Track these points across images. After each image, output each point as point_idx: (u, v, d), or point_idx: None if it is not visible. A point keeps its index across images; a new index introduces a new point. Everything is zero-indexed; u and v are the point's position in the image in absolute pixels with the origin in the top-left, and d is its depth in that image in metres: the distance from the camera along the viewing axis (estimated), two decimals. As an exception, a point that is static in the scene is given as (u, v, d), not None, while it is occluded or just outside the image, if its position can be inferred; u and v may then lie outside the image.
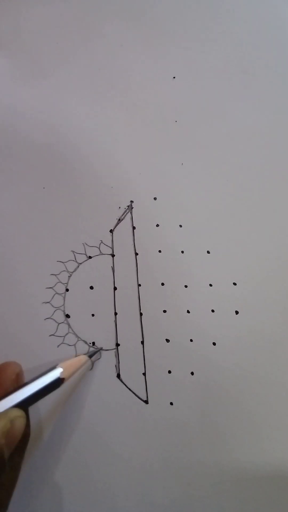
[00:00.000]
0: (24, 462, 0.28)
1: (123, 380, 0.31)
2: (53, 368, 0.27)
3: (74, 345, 0.31)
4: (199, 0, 0.38)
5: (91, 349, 0.31)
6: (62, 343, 0.31)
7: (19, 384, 0.26)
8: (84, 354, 0.30)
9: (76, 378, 0.31)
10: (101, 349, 0.31)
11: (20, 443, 0.25)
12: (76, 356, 0.31)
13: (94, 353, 0.31)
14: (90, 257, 0.33)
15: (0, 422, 0.23)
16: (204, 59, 0.37)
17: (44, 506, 0.29)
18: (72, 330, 0.32)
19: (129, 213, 0.34)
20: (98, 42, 0.38)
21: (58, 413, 0.31)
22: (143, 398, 0.31)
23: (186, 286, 0.33)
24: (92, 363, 0.31)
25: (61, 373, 0.27)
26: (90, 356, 0.30)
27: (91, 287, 0.33)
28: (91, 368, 0.31)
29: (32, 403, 0.25)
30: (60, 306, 0.32)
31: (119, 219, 0.34)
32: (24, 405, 0.25)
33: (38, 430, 0.30)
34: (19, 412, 0.24)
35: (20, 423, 0.24)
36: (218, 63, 0.37)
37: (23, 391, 0.25)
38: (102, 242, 0.34)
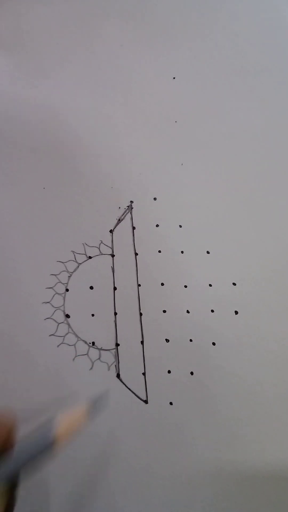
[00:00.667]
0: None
1: (123, 380, 0.31)
2: (45, 430, 0.22)
3: (74, 345, 0.32)
4: (200, 1, 0.38)
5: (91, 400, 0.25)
6: (62, 343, 0.32)
7: (8, 446, 0.22)
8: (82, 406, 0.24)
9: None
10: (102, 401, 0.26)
11: None
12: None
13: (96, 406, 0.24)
14: (90, 257, 0.33)
15: None
16: (204, 60, 0.37)
17: (44, 505, 0.30)
18: (72, 330, 0.32)
19: (129, 213, 0.34)
20: (98, 42, 0.38)
21: (58, 413, 0.31)
22: (143, 398, 0.31)
23: (185, 286, 0.33)
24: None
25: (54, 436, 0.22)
26: (90, 409, 0.24)
27: (91, 287, 0.33)
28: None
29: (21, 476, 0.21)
30: (60, 306, 0.32)
31: (119, 219, 0.34)
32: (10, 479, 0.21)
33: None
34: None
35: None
36: (218, 64, 0.37)
37: (8, 464, 0.21)
38: (102, 242, 0.34)
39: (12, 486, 0.22)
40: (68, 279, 0.33)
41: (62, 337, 0.32)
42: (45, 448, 0.22)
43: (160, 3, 0.38)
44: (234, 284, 0.33)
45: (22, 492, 0.28)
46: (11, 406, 0.30)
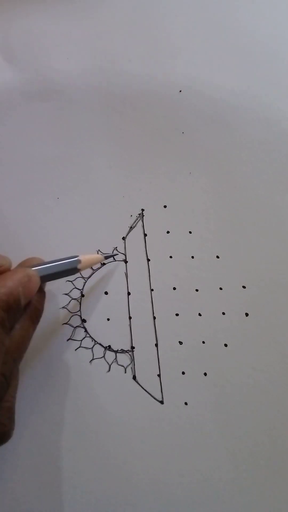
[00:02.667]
0: (47, 463, 0.29)
1: (139, 382, 0.32)
2: (73, 256, 0.31)
3: (91, 348, 0.33)
4: (205, 15, 0.40)
5: (109, 254, 0.34)
6: (80, 346, 0.33)
7: None
8: (102, 254, 0.34)
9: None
10: (116, 254, 0.35)
11: (34, 314, 0.29)
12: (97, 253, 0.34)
13: (110, 256, 0.34)
14: (104, 264, 0.35)
15: (19, 274, 0.27)
16: (209, 73, 0.39)
17: (65, 503, 0.30)
18: (89, 334, 0.33)
19: (141, 221, 0.36)
20: (106, 57, 0.40)
21: (77, 414, 0.32)
22: (158, 399, 0.32)
23: (197, 290, 0.34)
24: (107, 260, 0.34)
25: (79, 260, 0.30)
26: (106, 257, 0.34)
27: (106, 293, 0.34)
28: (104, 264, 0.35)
29: (48, 280, 0.29)
30: (77, 311, 0.34)
31: (131, 227, 0.35)
32: (42, 276, 0.29)
33: (58, 431, 0.31)
34: (35, 272, 0.28)
35: (35, 280, 0.28)
36: (224, 76, 0.38)
37: (40, 264, 0.29)
38: (115, 249, 0.35)
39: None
40: (84, 285, 0.34)
41: (80, 341, 0.33)
42: (70, 264, 0.30)
43: (167, 19, 0.40)
44: (244, 287, 0.34)
45: (43, 489, 0.29)
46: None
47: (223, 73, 0.39)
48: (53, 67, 0.39)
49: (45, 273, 0.29)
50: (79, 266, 0.30)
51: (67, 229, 0.35)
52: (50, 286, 0.33)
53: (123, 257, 0.35)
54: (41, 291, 0.30)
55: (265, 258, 0.34)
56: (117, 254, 0.35)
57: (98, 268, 0.35)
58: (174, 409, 0.32)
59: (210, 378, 0.32)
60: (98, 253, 0.34)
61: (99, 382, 0.32)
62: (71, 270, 0.30)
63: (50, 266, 0.29)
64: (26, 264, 0.30)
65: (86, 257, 0.31)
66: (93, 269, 0.34)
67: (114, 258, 0.35)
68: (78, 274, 0.34)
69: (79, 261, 0.30)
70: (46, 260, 0.30)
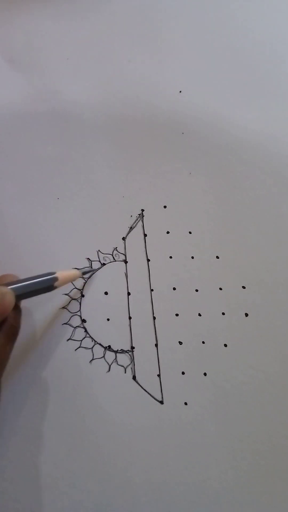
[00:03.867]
0: (47, 463, 0.29)
1: (139, 382, 0.32)
2: (49, 273, 0.30)
3: (91, 348, 0.33)
4: (205, 17, 0.40)
5: (87, 268, 0.34)
6: (80, 347, 0.33)
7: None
8: (79, 269, 0.34)
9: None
10: (95, 270, 0.34)
11: (10, 331, 0.29)
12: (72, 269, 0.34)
13: (87, 271, 0.34)
14: (104, 264, 0.35)
15: None
16: (209, 73, 0.39)
17: (64, 503, 0.30)
18: (89, 334, 0.33)
19: (141, 221, 0.36)
20: (107, 58, 0.40)
21: (77, 414, 0.32)
22: (158, 399, 0.32)
23: (197, 290, 0.34)
24: (85, 278, 0.34)
25: (55, 278, 0.29)
26: (84, 273, 0.34)
27: (106, 293, 0.34)
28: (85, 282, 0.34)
29: (24, 297, 0.28)
30: (77, 312, 0.34)
31: (131, 227, 0.35)
32: (17, 294, 0.28)
33: (58, 431, 0.31)
34: (9, 290, 0.27)
35: (10, 299, 0.27)
36: (223, 77, 0.39)
37: (15, 282, 0.28)
38: (115, 249, 0.35)
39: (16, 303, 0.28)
40: (84, 285, 0.34)
41: (80, 341, 0.33)
42: (46, 282, 0.29)
43: (167, 21, 0.40)
44: (243, 287, 0.34)
45: (40, 488, 0.29)
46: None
47: (223, 73, 0.39)
48: (53, 68, 0.39)
49: (20, 292, 0.28)
50: (56, 284, 0.29)
51: (67, 229, 0.35)
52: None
53: (123, 257, 0.35)
54: (16, 309, 0.29)
55: (265, 259, 0.34)
56: (96, 269, 0.34)
57: (98, 269, 0.35)
58: (173, 409, 0.32)
59: (210, 378, 0.32)
60: (88, 264, 0.34)
61: (99, 382, 0.32)
62: (47, 288, 0.29)
63: (26, 284, 0.28)
64: (1, 281, 0.29)
65: (64, 274, 0.30)
66: (93, 269, 0.34)
67: (91, 272, 0.34)
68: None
69: (55, 279, 0.29)
70: (23, 277, 0.29)
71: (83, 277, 0.34)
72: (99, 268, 0.35)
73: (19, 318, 0.30)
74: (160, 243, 0.35)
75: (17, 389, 0.32)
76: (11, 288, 0.27)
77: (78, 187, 0.36)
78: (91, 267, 0.34)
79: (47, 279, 0.29)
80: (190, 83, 0.39)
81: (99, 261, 0.35)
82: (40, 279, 0.29)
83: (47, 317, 0.33)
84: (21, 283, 0.28)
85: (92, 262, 0.35)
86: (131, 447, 0.31)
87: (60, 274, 0.30)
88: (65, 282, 0.30)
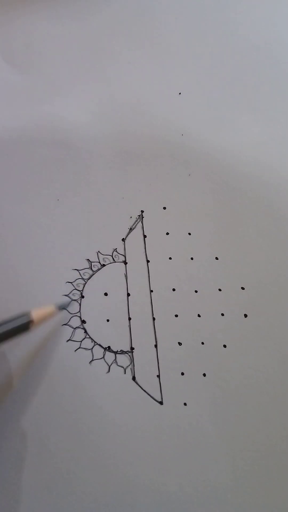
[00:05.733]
0: (46, 464, 0.29)
1: (138, 382, 0.32)
2: (22, 313, 0.29)
3: (91, 349, 0.33)
4: (204, 18, 0.40)
5: (62, 300, 0.33)
6: (80, 347, 0.33)
7: None
8: (54, 304, 0.32)
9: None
10: (71, 301, 0.33)
11: None
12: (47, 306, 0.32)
13: (63, 305, 0.33)
14: (103, 265, 0.35)
15: None
16: (209, 75, 0.39)
17: (63, 504, 0.31)
18: (89, 335, 0.33)
19: (140, 222, 0.36)
20: (107, 60, 0.40)
21: (77, 415, 0.32)
22: (158, 399, 0.32)
23: (196, 291, 0.34)
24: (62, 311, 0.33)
25: (31, 321, 0.28)
26: (60, 308, 0.32)
27: (106, 294, 0.34)
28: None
29: None
30: (77, 312, 0.34)
31: (131, 228, 0.36)
32: None
33: (57, 432, 0.31)
34: None
35: None
36: (222, 79, 0.39)
37: None
38: (115, 250, 0.35)
39: None
40: (84, 286, 0.34)
41: (79, 342, 0.33)
42: (21, 324, 0.28)
43: (166, 23, 0.40)
44: (242, 288, 0.34)
45: (42, 493, 0.29)
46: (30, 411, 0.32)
47: (223, 75, 0.39)
48: (53, 69, 0.40)
49: None
50: (31, 326, 0.28)
51: (67, 230, 0.35)
52: (49, 287, 0.34)
53: (123, 259, 0.35)
54: None
55: (264, 260, 0.35)
56: (96, 270, 0.34)
57: (98, 269, 0.35)
58: (173, 410, 0.32)
59: (209, 379, 0.32)
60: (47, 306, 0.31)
61: (99, 383, 0.32)
62: (21, 330, 0.28)
63: None
64: None
65: (39, 313, 0.29)
66: (93, 270, 0.35)
67: (67, 309, 0.33)
68: (77, 275, 0.34)
69: (30, 322, 0.28)
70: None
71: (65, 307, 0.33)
72: (98, 269, 0.35)
73: None
74: (160, 244, 0.35)
75: (16, 389, 0.32)
76: None
77: (78, 189, 0.36)
78: (91, 268, 0.35)
79: (21, 324, 0.28)
80: (190, 85, 0.39)
81: (99, 262, 0.35)
82: (12, 322, 0.28)
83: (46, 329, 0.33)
84: None
85: (92, 263, 0.35)
86: (130, 447, 0.31)
87: (35, 312, 0.29)
88: (41, 322, 0.30)
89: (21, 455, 0.31)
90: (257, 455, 0.31)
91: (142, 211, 0.36)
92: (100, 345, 0.33)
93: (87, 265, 0.35)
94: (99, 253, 0.35)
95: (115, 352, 0.33)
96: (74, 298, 0.34)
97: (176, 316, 0.34)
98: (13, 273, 0.34)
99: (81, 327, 0.33)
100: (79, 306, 0.34)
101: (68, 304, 0.33)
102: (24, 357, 0.33)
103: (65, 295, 0.34)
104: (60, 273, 0.34)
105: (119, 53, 0.40)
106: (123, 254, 0.35)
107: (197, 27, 0.40)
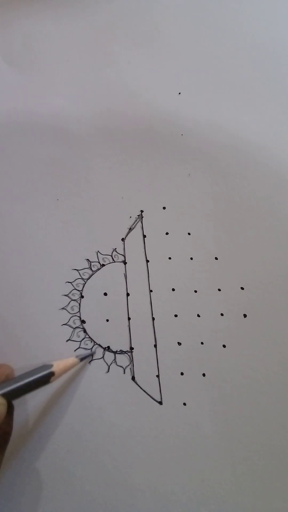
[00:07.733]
0: (46, 464, 0.29)
1: (138, 382, 0.32)
2: (45, 365, 0.28)
3: (91, 349, 0.33)
4: (204, 18, 0.40)
5: (83, 352, 0.32)
6: (79, 347, 0.33)
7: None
8: (76, 356, 0.31)
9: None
10: (93, 353, 0.33)
11: (3, 438, 0.26)
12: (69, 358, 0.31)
13: (85, 356, 0.32)
14: (103, 265, 0.35)
15: None
16: (209, 75, 0.39)
17: (63, 504, 0.31)
18: (88, 335, 0.33)
19: (140, 222, 0.36)
20: (106, 59, 0.40)
21: (76, 415, 0.32)
22: (157, 399, 0.32)
23: (195, 291, 0.34)
24: (83, 362, 0.32)
25: (51, 369, 0.28)
26: (81, 359, 0.32)
27: (105, 294, 0.34)
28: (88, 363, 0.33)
29: (18, 396, 0.26)
30: (76, 313, 0.34)
31: (130, 228, 0.36)
32: (9, 395, 0.26)
33: (57, 432, 0.31)
34: (2, 401, 0.25)
35: (1, 410, 0.25)
36: (222, 78, 0.39)
37: (8, 383, 0.26)
38: (114, 250, 0.35)
39: (9, 405, 0.27)
40: (83, 286, 0.34)
41: (79, 342, 0.33)
42: (42, 376, 0.27)
43: (166, 22, 0.40)
44: (242, 288, 0.34)
45: (41, 495, 0.30)
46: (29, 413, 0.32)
47: (223, 75, 0.39)
48: (53, 69, 0.40)
49: (13, 396, 0.26)
50: (51, 380, 0.28)
51: (67, 230, 0.35)
52: (49, 287, 0.34)
53: (122, 258, 0.35)
54: (9, 412, 0.27)
55: (263, 260, 0.35)
56: (96, 270, 0.33)
57: (98, 269, 0.35)
58: (172, 410, 0.32)
59: (209, 379, 0.33)
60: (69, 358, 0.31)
61: (98, 383, 0.32)
62: (42, 383, 0.27)
63: (19, 385, 0.26)
64: None
65: (60, 365, 0.28)
66: (92, 270, 0.35)
67: (91, 357, 0.32)
68: (77, 275, 0.34)
69: (52, 373, 0.28)
70: (16, 365, 0.28)
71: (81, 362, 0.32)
72: (98, 269, 0.35)
73: (11, 422, 0.27)
74: (159, 244, 0.35)
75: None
76: (3, 394, 0.25)
77: (77, 188, 0.36)
78: (90, 268, 0.35)
79: (43, 375, 0.27)
80: (190, 85, 0.39)
81: (99, 262, 0.35)
82: (35, 376, 0.27)
83: (46, 318, 0.33)
84: (14, 384, 0.26)
85: (92, 263, 0.35)
86: (130, 447, 0.31)
87: (56, 365, 0.28)
88: (62, 374, 0.29)
89: (20, 454, 0.31)
90: (256, 455, 0.31)
91: (141, 211, 0.36)
92: (99, 345, 0.33)
93: (87, 265, 0.35)
94: (98, 253, 0.35)
95: (115, 352, 0.33)
96: (74, 298, 0.34)
97: (176, 316, 0.34)
98: (13, 273, 0.35)
99: (81, 327, 0.33)
100: (78, 306, 0.34)
101: (90, 356, 0.32)
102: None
103: (64, 294, 0.34)
104: (60, 273, 0.34)
105: (119, 53, 0.40)
106: (122, 254, 0.35)
107: (197, 27, 0.40)
